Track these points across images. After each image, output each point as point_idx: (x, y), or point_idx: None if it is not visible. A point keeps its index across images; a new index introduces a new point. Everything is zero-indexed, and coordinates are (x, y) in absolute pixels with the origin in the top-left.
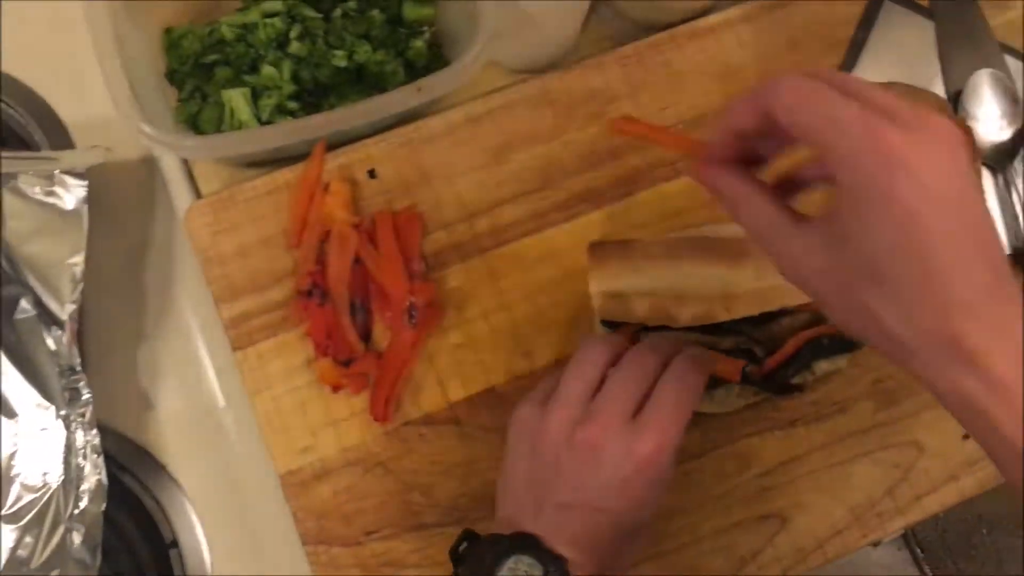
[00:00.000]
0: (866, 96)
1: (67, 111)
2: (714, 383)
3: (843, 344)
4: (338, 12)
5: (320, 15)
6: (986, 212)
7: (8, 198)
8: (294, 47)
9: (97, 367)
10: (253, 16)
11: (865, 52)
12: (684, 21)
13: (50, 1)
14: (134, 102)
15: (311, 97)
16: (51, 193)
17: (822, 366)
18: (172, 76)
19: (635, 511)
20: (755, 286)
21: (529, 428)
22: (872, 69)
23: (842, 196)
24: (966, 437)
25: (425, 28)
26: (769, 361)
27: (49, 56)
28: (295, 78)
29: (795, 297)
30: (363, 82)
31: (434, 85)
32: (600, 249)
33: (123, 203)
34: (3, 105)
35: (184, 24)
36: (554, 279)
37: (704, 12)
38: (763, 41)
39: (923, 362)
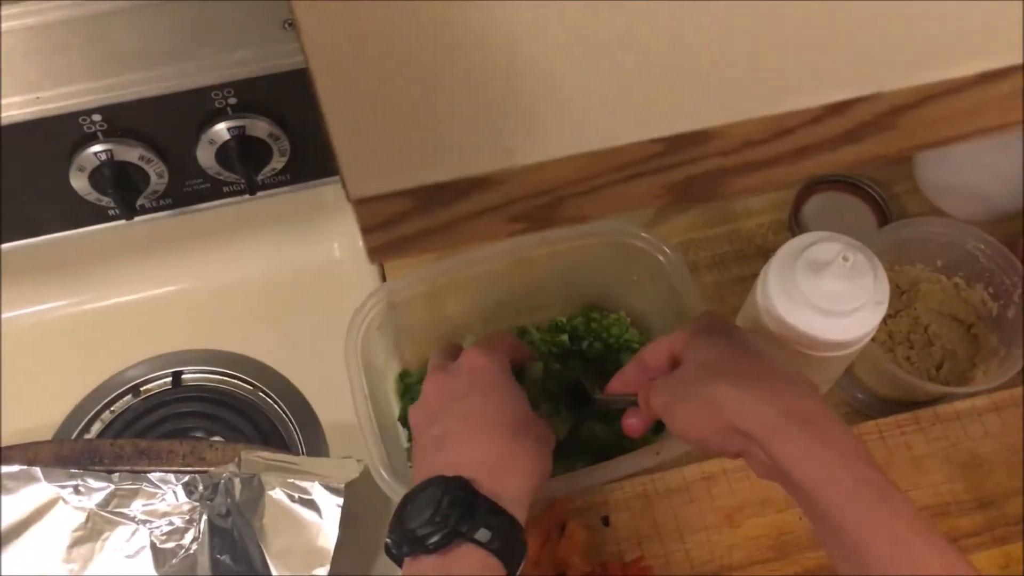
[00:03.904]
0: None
1: (323, 413)
2: None
3: None
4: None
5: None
6: None
7: (267, 499)
8: None
9: None
10: None
11: None
12: (925, 403)
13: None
14: (381, 450)
15: None
16: (308, 503)
17: None
18: (404, 420)
19: (491, 405)
20: None
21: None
22: None
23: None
24: None
25: None
26: None
27: (313, 359)
28: None
29: None
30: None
31: (671, 448)
32: None
33: (368, 517)
34: (271, 401)
35: (418, 369)
36: None
37: (949, 396)
38: (1011, 433)
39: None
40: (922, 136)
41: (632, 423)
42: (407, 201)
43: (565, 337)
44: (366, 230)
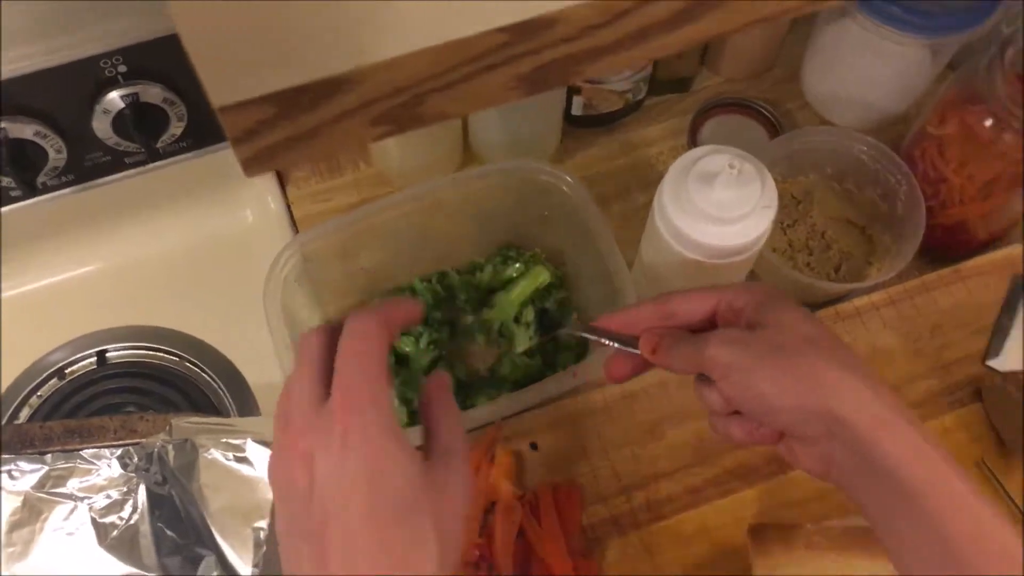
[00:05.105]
0: None
1: (250, 374)
2: None
3: None
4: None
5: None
6: None
7: (203, 460)
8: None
9: None
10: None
11: (1011, 338)
12: (826, 303)
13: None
14: None
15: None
16: (242, 460)
17: None
18: None
19: (375, 486)
20: None
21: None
22: (1018, 355)
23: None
24: None
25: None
26: None
27: (234, 322)
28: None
29: None
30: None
31: (587, 371)
32: (761, 533)
33: None
34: (198, 370)
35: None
36: (710, 556)
37: (847, 295)
38: (907, 325)
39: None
40: (759, 10)
41: (619, 366)
42: (269, 107)
43: (484, 278)
44: (235, 140)
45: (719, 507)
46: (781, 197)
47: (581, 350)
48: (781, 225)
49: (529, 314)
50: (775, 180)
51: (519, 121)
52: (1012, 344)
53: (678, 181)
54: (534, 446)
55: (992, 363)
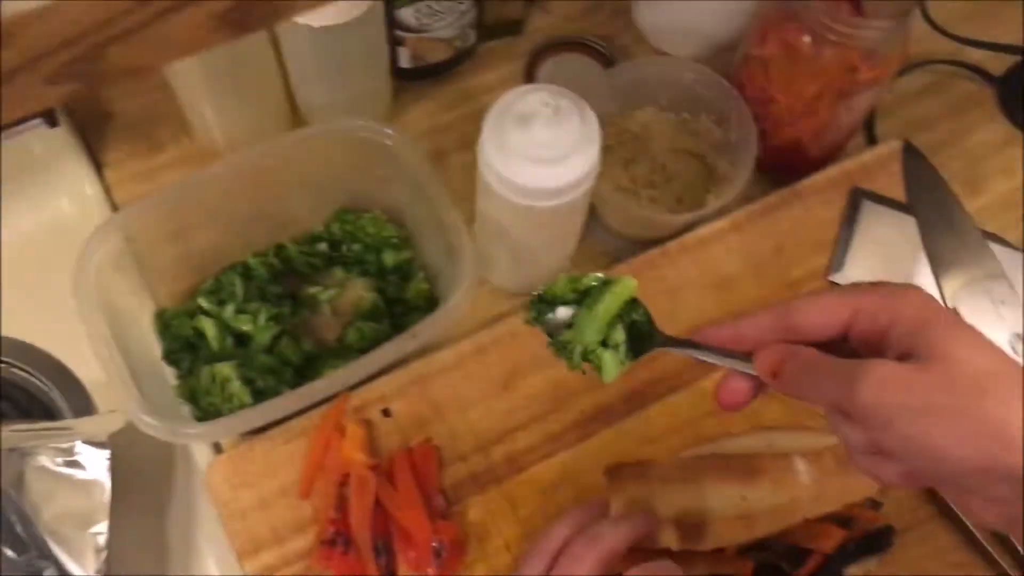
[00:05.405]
0: None
1: (84, 372)
2: None
3: (870, 546)
4: (325, 295)
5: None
6: None
7: (30, 469)
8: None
9: None
10: (227, 313)
11: (850, 252)
12: (672, 235)
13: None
14: (136, 394)
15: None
16: (73, 464)
17: (853, 570)
18: (168, 356)
19: None
20: (773, 502)
21: None
22: (860, 266)
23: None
24: None
25: (420, 273)
26: (798, 575)
27: (62, 319)
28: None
29: (813, 508)
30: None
31: (427, 330)
32: (617, 473)
33: (145, 463)
34: (24, 374)
35: (175, 305)
36: (574, 502)
37: (693, 225)
38: (752, 248)
39: None
40: None
41: (733, 392)
42: None
43: (324, 246)
44: None
45: (579, 451)
46: (620, 133)
47: (431, 310)
48: (623, 162)
49: (619, 335)
50: (611, 115)
51: (340, 78)
52: (852, 257)
53: (497, 125)
54: (386, 412)
55: (834, 277)
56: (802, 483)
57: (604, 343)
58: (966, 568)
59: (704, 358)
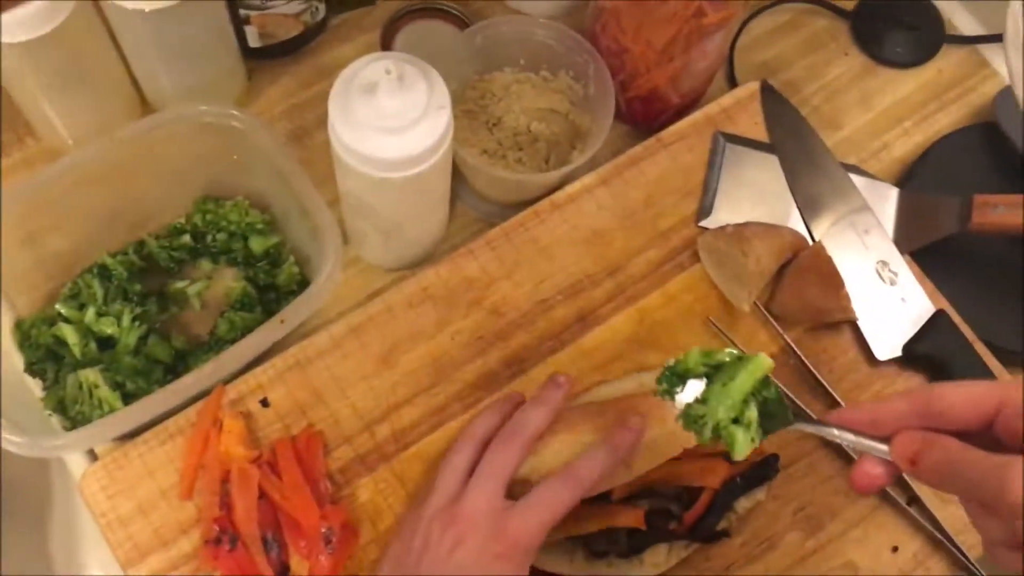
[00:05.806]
0: None
1: None
2: (642, 545)
3: (757, 477)
4: (193, 289)
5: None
6: None
7: None
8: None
9: None
10: (88, 317)
11: (718, 197)
12: (543, 196)
13: None
14: None
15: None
16: None
17: (742, 504)
18: (31, 368)
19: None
20: (646, 437)
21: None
22: (728, 209)
23: None
24: (895, 550)
25: (290, 257)
26: (689, 515)
27: None
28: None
29: (689, 439)
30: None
31: (295, 314)
32: None
33: (20, 480)
34: None
35: (34, 313)
36: None
37: (562, 183)
38: (621, 201)
39: None
40: None
41: (871, 473)
42: None
43: (187, 238)
44: None
45: (465, 421)
46: (481, 96)
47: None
48: (487, 125)
49: (752, 414)
50: (472, 80)
51: (184, 63)
52: (720, 202)
53: (343, 98)
54: (264, 403)
55: (704, 223)
56: (673, 415)
57: (736, 420)
58: (853, 493)
59: (839, 440)
